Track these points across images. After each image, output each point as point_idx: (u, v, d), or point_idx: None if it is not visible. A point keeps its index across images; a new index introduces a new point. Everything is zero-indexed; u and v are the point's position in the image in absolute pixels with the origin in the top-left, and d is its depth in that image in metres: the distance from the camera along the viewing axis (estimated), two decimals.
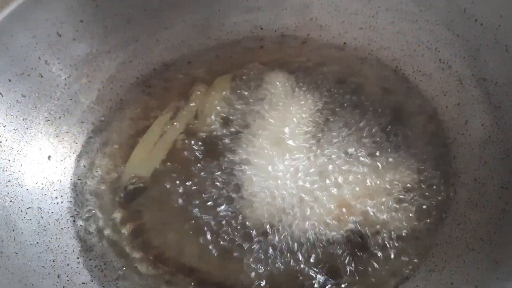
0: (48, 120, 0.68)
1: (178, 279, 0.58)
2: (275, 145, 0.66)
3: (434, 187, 0.61)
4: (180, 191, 0.64)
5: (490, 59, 0.61)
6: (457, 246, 0.55)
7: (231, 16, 0.78)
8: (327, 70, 0.75)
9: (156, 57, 0.77)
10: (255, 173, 0.64)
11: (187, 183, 0.65)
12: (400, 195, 0.61)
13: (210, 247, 0.60)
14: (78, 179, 0.67)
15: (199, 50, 0.79)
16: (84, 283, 0.58)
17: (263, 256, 0.58)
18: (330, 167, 0.63)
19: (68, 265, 0.59)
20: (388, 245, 0.57)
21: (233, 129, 0.69)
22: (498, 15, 0.59)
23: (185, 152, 0.68)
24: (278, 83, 0.73)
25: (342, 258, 0.57)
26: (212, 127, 0.70)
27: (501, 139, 0.59)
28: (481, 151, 0.61)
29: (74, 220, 0.64)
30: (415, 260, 0.57)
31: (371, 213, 0.59)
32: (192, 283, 0.58)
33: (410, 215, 0.59)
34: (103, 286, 0.58)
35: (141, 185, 0.66)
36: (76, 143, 0.70)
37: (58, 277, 0.57)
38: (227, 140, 0.68)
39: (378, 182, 0.62)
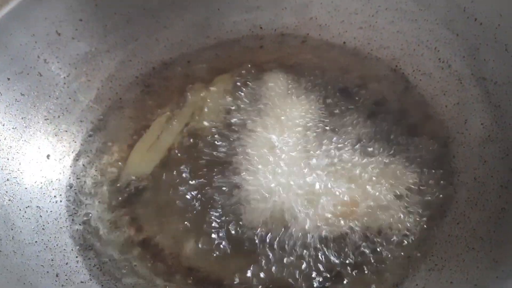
0: (47, 119, 0.68)
1: (176, 278, 0.58)
2: (275, 144, 0.66)
3: (434, 186, 0.61)
4: (179, 190, 0.64)
5: (489, 58, 0.61)
6: (457, 245, 0.55)
7: (230, 16, 0.78)
8: (327, 69, 0.74)
9: (155, 56, 0.77)
10: (254, 173, 0.63)
11: (186, 183, 0.65)
12: (400, 194, 0.61)
13: (209, 247, 0.59)
14: (77, 178, 0.67)
15: (199, 50, 0.79)
16: (82, 282, 0.58)
17: (262, 256, 0.58)
18: (330, 167, 0.63)
19: (66, 264, 0.59)
20: (387, 244, 0.57)
21: (232, 128, 0.69)
22: (498, 14, 0.59)
23: (184, 151, 0.68)
24: (277, 83, 0.73)
25: (342, 258, 0.57)
26: (211, 126, 0.70)
27: (501, 138, 0.59)
28: (480, 150, 0.61)
29: (73, 219, 0.64)
30: (415, 259, 0.56)
31: (371, 213, 0.59)
32: (191, 282, 0.58)
33: (410, 214, 0.59)
34: (102, 285, 0.58)
35: (140, 184, 0.66)
36: (75, 142, 0.70)
37: (57, 276, 0.57)
38: (226, 139, 0.68)
39: (378, 182, 0.61)
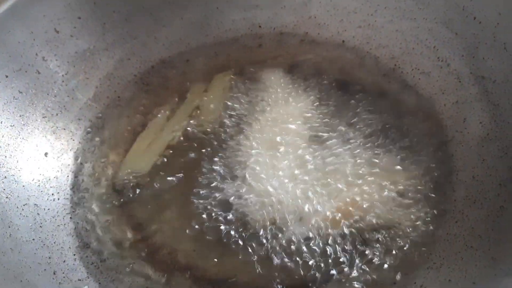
0: (45, 116, 0.68)
1: (174, 276, 0.58)
2: (274, 143, 0.66)
3: (433, 185, 0.61)
4: (177, 188, 0.64)
5: (488, 57, 0.61)
6: (455, 244, 0.55)
7: (229, 14, 0.78)
8: (326, 68, 0.75)
9: (154, 55, 0.77)
10: (253, 171, 0.63)
11: (184, 181, 0.65)
12: (398, 193, 0.60)
13: (207, 245, 0.59)
14: (75, 176, 0.67)
15: (197, 48, 0.79)
16: (80, 280, 0.58)
17: (260, 254, 0.58)
18: (329, 166, 0.63)
19: (64, 261, 0.59)
20: (386, 243, 0.57)
21: (231, 127, 0.69)
22: (497, 13, 0.59)
23: (183, 150, 0.68)
24: (276, 81, 0.73)
25: (341, 256, 0.57)
26: (210, 125, 0.70)
27: (499, 137, 0.59)
28: (479, 149, 0.61)
29: (70, 217, 0.64)
30: (413, 258, 0.56)
31: (370, 212, 0.59)
32: (188, 280, 0.58)
33: (409, 213, 0.59)
34: (99, 283, 0.58)
35: (138, 182, 0.66)
36: (73, 140, 0.70)
37: (54, 273, 0.57)
38: (224, 138, 0.68)
39: (376, 181, 0.61)
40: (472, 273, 0.50)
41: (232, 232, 0.60)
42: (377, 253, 0.57)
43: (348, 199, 0.60)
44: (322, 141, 0.65)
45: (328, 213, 0.59)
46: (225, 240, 0.59)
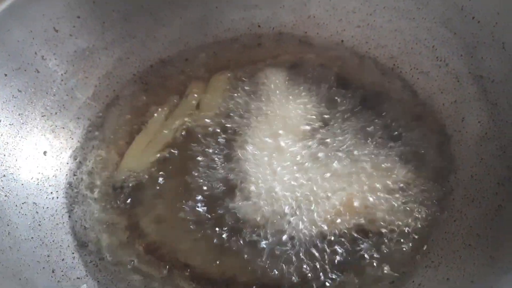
0: (44, 115, 0.68)
1: (172, 275, 0.58)
2: (273, 142, 0.66)
3: (431, 184, 0.61)
4: (176, 187, 0.64)
5: (487, 56, 0.62)
6: (454, 242, 0.55)
7: (228, 14, 0.78)
8: (325, 68, 0.75)
9: (153, 54, 0.77)
10: (252, 171, 0.64)
11: (183, 180, 0.65)
12: (397, 192, 0.61)
13: (206, 243, 0.59)
14: (74, 175, 0.67)
15: (197, 47, 0.79)
16: (79, 278, 0.58)
17: (259, 253, 0.58)
18: (328, 165, 0.63)
19: (63, 260, 0.59)
20: (384, 242, 0.57)
21: (230, 126, 0.69)
22: (495, 13, 0.60)
23: (181, 149, 0.68)
24: (275, 81, 0.73)
25: (339, 255, 0.57)
26: (209, 124, 0.69)
27: (498, 136, 0.59)
28: (478, 148, 0.61)
29: (69, 216, 0.64)
30: (412, 256, 0.56)
31: (368, 211, 0.59)
32: (187, 279, 0.58)
33: (407, 212, 0.59)
34: (98, 281, 0.58)
35: (136, 181, 0.66)
36: (72, 138, 0.70)
37: (53, 271, 0.57)
38: (224, 137, 0.68)
39: (374, 180, 0.61)
40: (470, 272, 0.50)
41: (231, 231, 0.60)
42: (375, 252, 0.57)
43: (346, 198, 0.60)
44: (321, 141, 0.66)
45: (326, 212, 0.59)
46: (224, 239, 0.59)
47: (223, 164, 0.65)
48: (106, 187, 0.66)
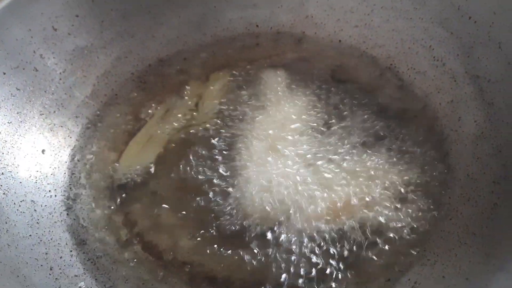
0: (43, 114, 0.68)
1: (170, 272, 0.58)
2: (272, 142, 0.66)
3: (427, 183, 0.62)
4: (174, 185, 0.64)
5: (483, 56, 0.62)
6: (449, 241, 0.56)
7: (226, 13, 0.78)
8: (322, 67, 0.75)
9: (151, 53, 0.77)
10: (251, 170, 0.64)
11: (181, 178, 0.65)
12: (393, 191, 0.61)
13: (204, 242, 0.60)
14: (72, 173, 0.67)
15: (195, 47, 0.79)
16: (76, 276, 0.58)
17: (257, 252, 0.58)
18: (326, 165, 0.63)
19: (61, 257, 0.59)
20: (380, 240, 0.58)
21: (228, 126, 0.69)
22: (492, 13, 0.60)
23: (180, 148, 0.68)
24: (273, 81, 0.73)
25: (336, 254, 0.57)
26: (207, 123, 0.70)
27: (494, 135, 0.59)
28: (474, 147, 0.61)
29: (67, 214, 0.64)
30: (408, 255, 0.57)
31: (365, 210, 0.60)
32: (185, 277, 0.58)
33: (403, 211, 0.59)
34: (96, 279, 0.58)
35: (135, 179, 0.66)
36: (70, 137, 0.70)
37: (51, 269, 0.57)
38: (222, 137, 0.68)
39: (372, 179, 0.62)
40: (466, 269, 0.51)
41: (230, 230, 0.60)
42: (371, 250, 0.57)
43: (343, 197, 0.60)
44: (319, 140, 0.66)
45: (324, 212, 0.59)
46: (222, 239, 0.59)
47: (221, 164, 0.65)
48: (104, 186, 0.66)
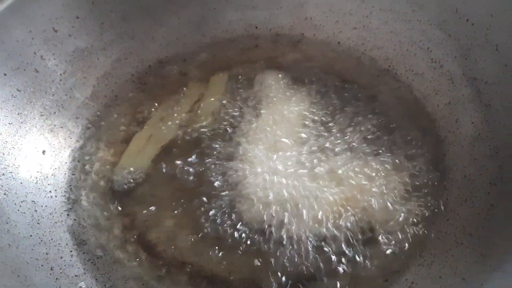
0: (43, 115, 0.68)
1: (170, 273, 0.59)
2: (271, 142, 0.66)
3: (425, 184, 0.62)
4: (174, 186, 0.65)
5: (480, 58, 0.62)
6: (446, 241, 0.56)
7: (226, 15, 0.79)
8: (321, 69, 0.75)
9: (151, 55, 0.78)
10: (250, 170, 0.64)
11: (181, 179, 0.65)
12: (391, 192, 0.61)
13: (204, 242, 0.60)
14: (72, 174, 0.68)
15: (194, 48, 0.79)
16: (77, 276, 0.58)
17: (257, 251, 0.58)
18: (324, 165, 0.64)
19: (61, 258, 0.59)
20: (378, 240, 0.58)
21: (228, 127, 0.69)
22: (489, 15, 0.60)
23: (179, 148, 0.68)
24: (272, 82, 0.73)
25: (336, 253, 0.57)
26: (207, 124, 0.70)
27: (491, 137, 0.60)
28: (471, 149, 0.62)
29: (67, 214, 0.64)
30: (405, 255, 0.57)
31: (363, 210, 0.60)
32: (185, 277, 0.58)
33: (401, 211, 0.60)
34: (96, 279, 0.59)
35: (135, 180, 0.66)
36: (70, 138, 0.70)
37: (51, 269, 0.57)
38: (221, 138, 0.68)
39: (370, 180, 0.62)
40: (462, 269, 0.51)
41: (229, 230, 0.60)
42: (369, 251, 0.57)
43: (341, 198, 0.61)
44: (318, 142, 0.66)
45: (323, 213, 0.60)
46: (222, 238, 0.60)
47: (221, 164, 0.65)
48: (104, 186, 0.66)
